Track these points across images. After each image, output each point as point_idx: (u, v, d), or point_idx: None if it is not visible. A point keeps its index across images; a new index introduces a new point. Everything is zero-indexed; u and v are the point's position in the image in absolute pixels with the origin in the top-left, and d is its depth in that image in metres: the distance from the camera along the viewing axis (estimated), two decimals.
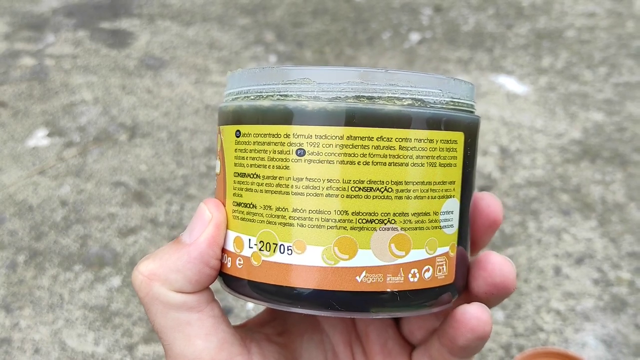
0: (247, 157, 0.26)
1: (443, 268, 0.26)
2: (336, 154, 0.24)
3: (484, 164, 1.09)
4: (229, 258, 0.26)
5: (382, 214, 0.24)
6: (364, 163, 0.24)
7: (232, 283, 0.27)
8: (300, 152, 0.24)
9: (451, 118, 0.25)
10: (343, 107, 0.24)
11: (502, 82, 1.35)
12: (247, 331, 0.30)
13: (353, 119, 0.24)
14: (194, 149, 1.14)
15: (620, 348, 0.76)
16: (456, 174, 0.26)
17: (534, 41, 1.51)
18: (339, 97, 0.24)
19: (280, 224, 0.25)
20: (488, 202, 0.29)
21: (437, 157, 0.25)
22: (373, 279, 0.24)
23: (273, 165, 0.25)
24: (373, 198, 0.24)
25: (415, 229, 0.25)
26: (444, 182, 0.25)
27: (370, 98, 0.24)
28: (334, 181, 0.24)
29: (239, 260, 0.26)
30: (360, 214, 0.24)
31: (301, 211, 0.24)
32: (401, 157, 0.24)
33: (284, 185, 0.25)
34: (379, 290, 0.24)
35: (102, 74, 1.38)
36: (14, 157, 1.12)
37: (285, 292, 0.25)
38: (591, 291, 0.84)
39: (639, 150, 1.12)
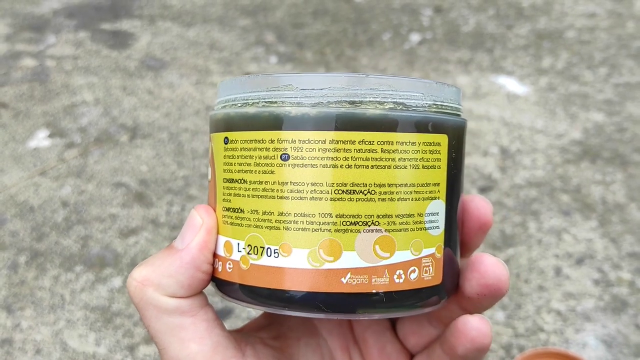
0: (235, 162, 0.26)
1: (429, 269, 0.26)
2: (319, 158, 0.24)
3: (484, 164, 1.09)
4: (220, 262, 0.27)
5: (366, 216, 0.24)
6: (347, 166, 0.24)
7: (224, 287, 0.27)
8: (285, 157, 0.25)
9: (434, 121, 0.26)
10: (325, 112, 0.24)
11: (503, 82, 1.35)
12: (242, 335, 0.30)
13: (335, 123, 0.24)
14: (195, 149, 1.14)
15: (620, 348, 0.76)
16: (440, 175, 0.26)
17: (534, 42, 1.51)
18: (322, 103, 0.25)
19: (266, 227, 0.25)
20: (477, 204, 0.29)
21: (420, 159, 0.25)
22: (358, 280, 0.25)
23: (259, 171, 0.25)
24: (356, 201, 0.24)
25: (400, 230, 0.25)
26: (427, 184, 0.26)
27: (352, 103, 0.25)
28: (318, 185, 0.24)
29: (229, 264, 0.26)
30: (344, 216, 0.24)
31: (286, 215, 0.25)
32: (384, 159, 0.25)
33: (269, 190, 0.25)
34: (364, 292, 0.25)
35: (103, 75, 1.38)
36: (15, 158, 1.12)
37: (275, 294, 0.25)
38: (592, 291, 0.84)
39: (639, 151, 1.12)
